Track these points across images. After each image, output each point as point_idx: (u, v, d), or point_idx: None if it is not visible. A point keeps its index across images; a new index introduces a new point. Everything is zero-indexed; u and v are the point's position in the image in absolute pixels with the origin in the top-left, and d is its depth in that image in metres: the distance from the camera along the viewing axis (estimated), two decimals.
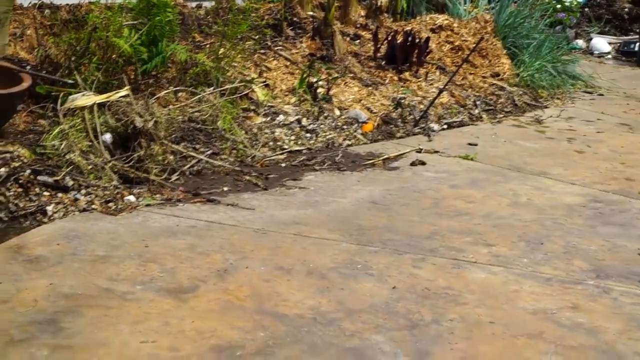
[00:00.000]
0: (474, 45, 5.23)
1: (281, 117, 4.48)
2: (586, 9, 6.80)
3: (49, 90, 4.10)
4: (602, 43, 6.53)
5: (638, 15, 6.88)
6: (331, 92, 4.70)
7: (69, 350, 2.32)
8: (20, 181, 3.50)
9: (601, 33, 6.72)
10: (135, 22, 4.30)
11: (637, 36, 6.47)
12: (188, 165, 3.83)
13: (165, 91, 4.24)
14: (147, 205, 3.48)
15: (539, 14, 5.74)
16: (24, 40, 4.66)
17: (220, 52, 4.55)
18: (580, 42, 6.59)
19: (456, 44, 5.34)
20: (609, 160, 4.41)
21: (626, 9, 6.97)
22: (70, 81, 4.15)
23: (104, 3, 4.59)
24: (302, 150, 4.23)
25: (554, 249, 3.12)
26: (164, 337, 2.41)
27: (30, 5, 4.86)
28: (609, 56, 6.55)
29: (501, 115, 4.95)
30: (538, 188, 3.87)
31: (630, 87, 5.68)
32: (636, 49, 6.31)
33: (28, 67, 4.23)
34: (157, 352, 2.34)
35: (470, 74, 5.27)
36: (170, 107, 4.10)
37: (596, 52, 6.51)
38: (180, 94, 4.29)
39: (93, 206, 3.42)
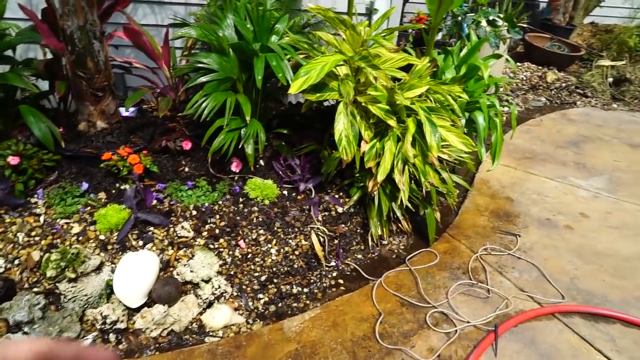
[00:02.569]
0: None
1: None
2: None
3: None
4: None
5: None
6: None
7: (582, 155, 2.91)
8: (568, 90, 3.98)
9: None
10: None
11: None
12: None
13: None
14: (621, 108, 3.89)
15: None
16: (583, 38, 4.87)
17: None
18: None
19: None
20: None
21: None
22: (601, 54, 4.54)
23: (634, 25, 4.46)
24: None
25: None
26: (627, 157, 2.96)
27: (586, 23, 5.11)
28: None
29: None
30: None
31: None
32: None
33: (583, 50, 4.48)
34: (620, 165, 2.83)
35: None
36: None
37: None
38: None
39: (595, 105, 3.84)
